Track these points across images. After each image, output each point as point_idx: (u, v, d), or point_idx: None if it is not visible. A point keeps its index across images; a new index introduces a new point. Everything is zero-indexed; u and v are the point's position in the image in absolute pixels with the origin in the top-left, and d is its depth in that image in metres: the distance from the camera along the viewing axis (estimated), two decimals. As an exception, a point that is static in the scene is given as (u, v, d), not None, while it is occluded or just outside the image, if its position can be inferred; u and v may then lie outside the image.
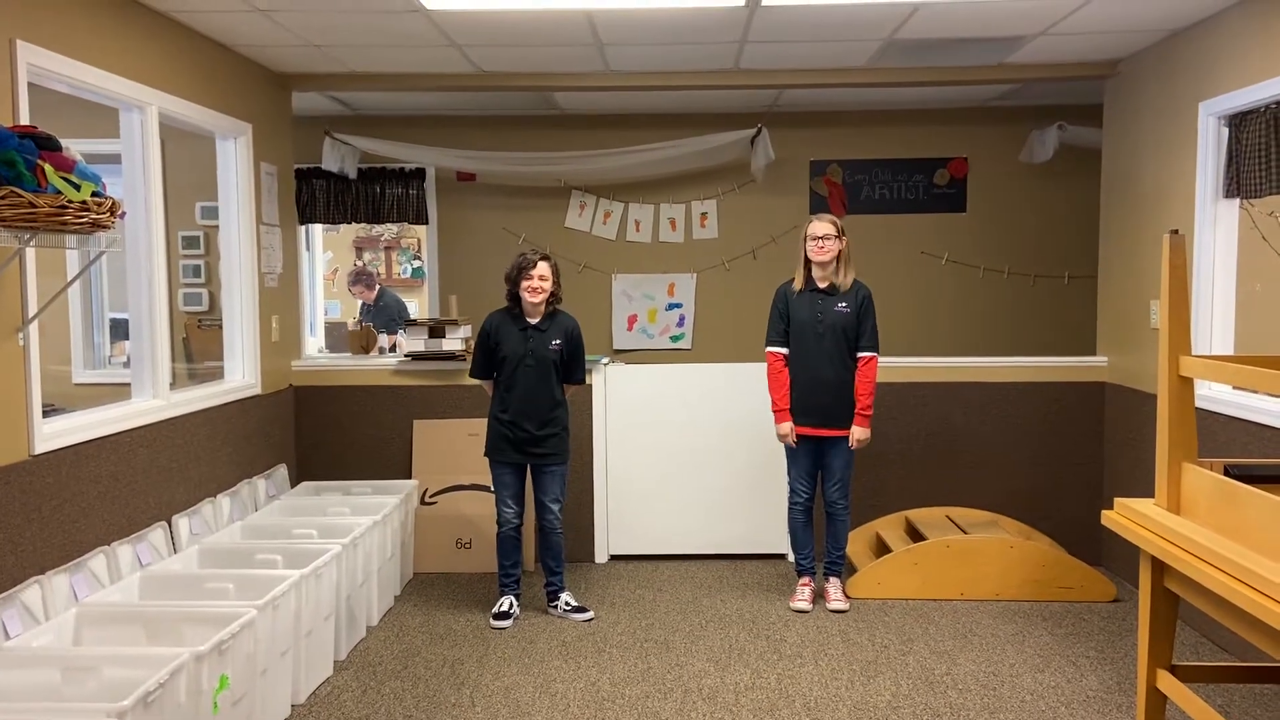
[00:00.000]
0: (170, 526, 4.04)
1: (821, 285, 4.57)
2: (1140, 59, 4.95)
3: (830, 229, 4.51)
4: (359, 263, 9.72)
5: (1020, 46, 4.88)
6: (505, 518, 4.57)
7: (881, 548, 5.20)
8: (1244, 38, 4.09)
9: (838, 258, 4.54)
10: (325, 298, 9.01)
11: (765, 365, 4.70)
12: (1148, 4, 4.16)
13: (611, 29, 4.54)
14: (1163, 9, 4.24)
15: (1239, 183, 4.12)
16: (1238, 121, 4.14)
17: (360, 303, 7.80)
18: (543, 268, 4.44)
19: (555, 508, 4.58)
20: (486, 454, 4.59)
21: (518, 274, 4.46)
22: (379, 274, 9.53)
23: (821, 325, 4.53)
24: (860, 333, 4.56)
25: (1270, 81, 3.88)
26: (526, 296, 4.44)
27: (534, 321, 4.49)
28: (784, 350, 4.62)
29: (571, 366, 4.59)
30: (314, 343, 7.05)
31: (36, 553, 3.24)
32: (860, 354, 4.57)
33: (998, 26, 4.53)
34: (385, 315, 7.48)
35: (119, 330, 6.07)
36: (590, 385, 5.39)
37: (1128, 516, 3.07)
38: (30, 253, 3.22)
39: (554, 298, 4.52)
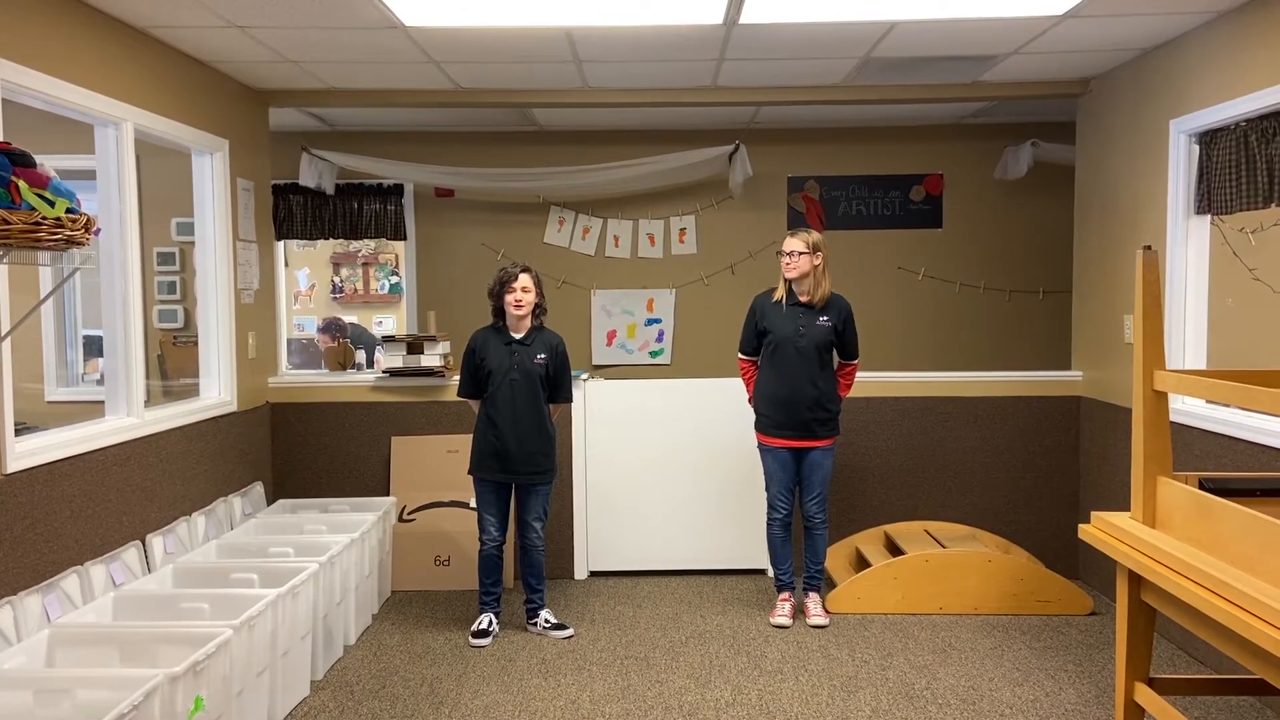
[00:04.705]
0: (144, 546, 3.99)
1: (803, 299, 4.60)
2: (1112, 77, 5.02)
3: (798, 245, 4.54)
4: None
5: (994, 65, 4.94)
6: (489, 536, 4.54)
7: (860, 562, 5.21)
8: (1213, 57, 4.15)
9: (813, 273, 4.57)
10: (301, 313, 8.98)
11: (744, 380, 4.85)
12: (1118, 23, 4.22)
13: (590, 46, 4.56)
14: (1133, 28, 4.30)
15: (1210, 199, 4.18)
16: (1208, 139, 4.20)
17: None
18: (524, 279, 4.43)
19: (538, 526, 4.56)
20: (471, 471, 4.55)
21: (500, 288, 4.45)
22: (356, 290, 9.44)
23: (803, 340, 4.56)
24: (844, 345, 4.66)
25: (1239, 99, 3.94)
26: (510, 310, 4.44)
27: (518, 336, 4.49)
28: (754, 358, 4.76)
29: (557, 384, 4.56)
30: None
31: (8, 573, 3.19)
32: (847, 363, 4.71)
33: (972, 45, 4.58)
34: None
35: (92, 347, 6.01)
36: (569, 401, 5.38)
37: (1104, 530, 3.09)
38: (2, 269, 3.19)
39: (539, 309, 4.52)
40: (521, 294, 4.42)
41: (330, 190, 6.34)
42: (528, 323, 4.49)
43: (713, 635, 4.56)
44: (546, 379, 4.51)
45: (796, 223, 6.74)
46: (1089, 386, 5.32)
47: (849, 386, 4.76)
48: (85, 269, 3.17)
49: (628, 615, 4.85)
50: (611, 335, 6.94)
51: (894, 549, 5.15)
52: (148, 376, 4.33)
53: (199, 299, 4.91)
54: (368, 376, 5.59)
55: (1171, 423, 3.09)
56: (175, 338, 6.23)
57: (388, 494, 5.40)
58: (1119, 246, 4.93)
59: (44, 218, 2.78)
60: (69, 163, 3.92)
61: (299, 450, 5.48)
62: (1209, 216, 4.32)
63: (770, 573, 5.14)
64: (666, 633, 4.60)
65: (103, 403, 4.07)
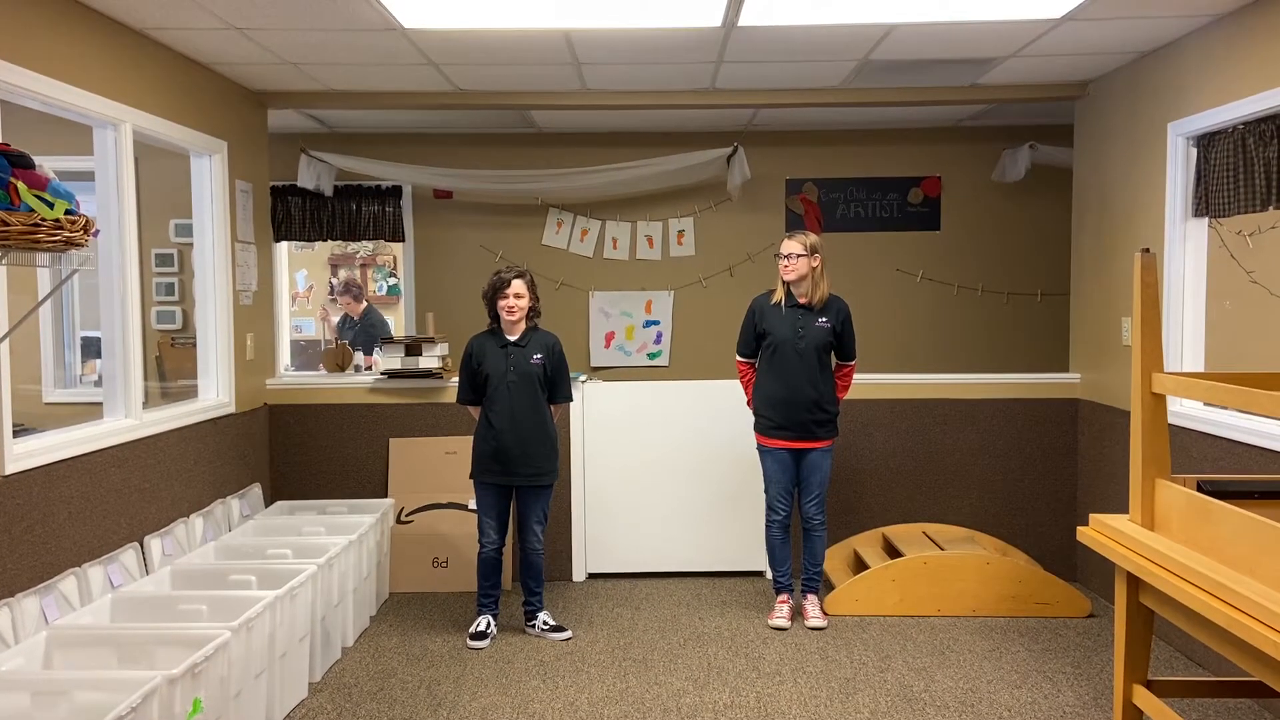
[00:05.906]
0: (142, 547, 3.99)
1: (801, 301, 4.60)
2: (1110, 80, 5.03)
3: (796, 247, 4.55)
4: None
5: (992, 68, 4.94)
6: (488, 539, 4.54)
7: (859, 564, 5.21)
8: (1211, 60, 4.16)
9: (811, 275, 4.57)
10: (299, 315, 8.98)
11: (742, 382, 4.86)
12: (1116, 27, 4.23)
13: (589, 48, 4.56)
14: (1131, 32, 4.31)
15: (1208, 202, 4.19)
16: (1206, 142, 4.20)
17: (342, 315, 7.68)
18: (517, 285, 4.44)
19: (538, 529, 4.56)
20: (472, 476, 4.55)
21: (494, 293, 4.47)
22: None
23: (803, 342, 4.56)
24: (842, 347, 4.67)
25: (1237, 103, 3.95)
26: (504, 315, 4.45)
27: (514, 339, 4.49)
28: (752, 360, 4.76)
29: (556, 383, 4.56)
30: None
31: (6, 575, 3.19)
32: (845, 364, 4.72)
33: (970, 48, 4.59)
34: (368, 335, 7.28)
35: (90, 348, 6.00)
36: (568, 403, 5.38)
37: (1103, 533, 3.09)
38: (1, 271, 3.19)
39: (533, 312, 4.52)
40: (514, 300, 4.43)
41: (329, 192, 6.34)
42: (522, 325, 4.50)
43: (711, 637, 4.56)
44: (545, 379, 4.51)
45: (795, 225, 6.75)
46: (1087, 389, 5.33)
47: (846, 388, 4.76)
48: (84, 270, 3.17)
49: (626, 617, 4.85)
50: (610, 337, 6.94)
51: (892, 551, 5.15)
52: (146, 378, 4.32)
53: (197, 300, 4.91)
54: (366, 378, 5.59)
55: (1169, 425, 3.10)
56: (173, 339, 6.23)
57: (386, 496, 5.39)
58: (1117, 249, 4.94)
59: (43, 219, 2.78)
60: (68, 164, 3.91)
61: (297, 452, 5.48)
62: (1207, 219, 4.33)
63: (768, 575, 5.14)
64: (665, 635, 4.60)
65: (101, 404, 4.06)
